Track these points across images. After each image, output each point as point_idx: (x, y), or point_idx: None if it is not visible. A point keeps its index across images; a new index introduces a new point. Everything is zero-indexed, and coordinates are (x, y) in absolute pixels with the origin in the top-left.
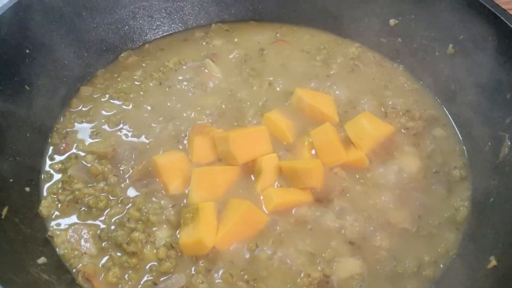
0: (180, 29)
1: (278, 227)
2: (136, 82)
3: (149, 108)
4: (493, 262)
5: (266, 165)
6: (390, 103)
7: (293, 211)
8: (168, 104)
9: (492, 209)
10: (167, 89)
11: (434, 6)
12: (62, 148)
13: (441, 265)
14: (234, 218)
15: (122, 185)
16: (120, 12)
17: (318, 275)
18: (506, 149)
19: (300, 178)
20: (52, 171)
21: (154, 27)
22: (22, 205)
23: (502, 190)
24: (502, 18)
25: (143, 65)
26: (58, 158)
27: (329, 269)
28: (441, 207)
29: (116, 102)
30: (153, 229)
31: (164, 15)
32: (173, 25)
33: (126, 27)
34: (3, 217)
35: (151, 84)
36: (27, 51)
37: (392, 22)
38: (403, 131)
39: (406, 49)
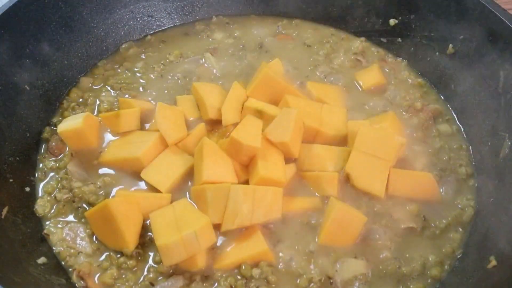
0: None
1: (282, 231)
2: (137, 74)
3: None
4: (493, 262)
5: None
6: (395, 98)
7: (299, 214)
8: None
9: (492, 209)
10: (166, 83)
11: (434, 6)
12: (54, 144)
13: (446, 266)
14: (244, 255)
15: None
16: (120, 12)
17: (322, 276)
18: (506, 149)
19: (322, 186)
20: (46, 169)
21: (154, 27)
22: (22, 205)
23: (502, 190)
24: (502, 18)
25: (143, 56)
26: (52, 155)
27: (332, 270)
28: (447, 206)
29: (117, 92)
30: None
31: (164, 15)
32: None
33: (126, 27)
34: (3, 217)
35: (152, 76)
36: (27, 51)
37: (392, 22)
38: (408, 130)
39: (407, 48)
